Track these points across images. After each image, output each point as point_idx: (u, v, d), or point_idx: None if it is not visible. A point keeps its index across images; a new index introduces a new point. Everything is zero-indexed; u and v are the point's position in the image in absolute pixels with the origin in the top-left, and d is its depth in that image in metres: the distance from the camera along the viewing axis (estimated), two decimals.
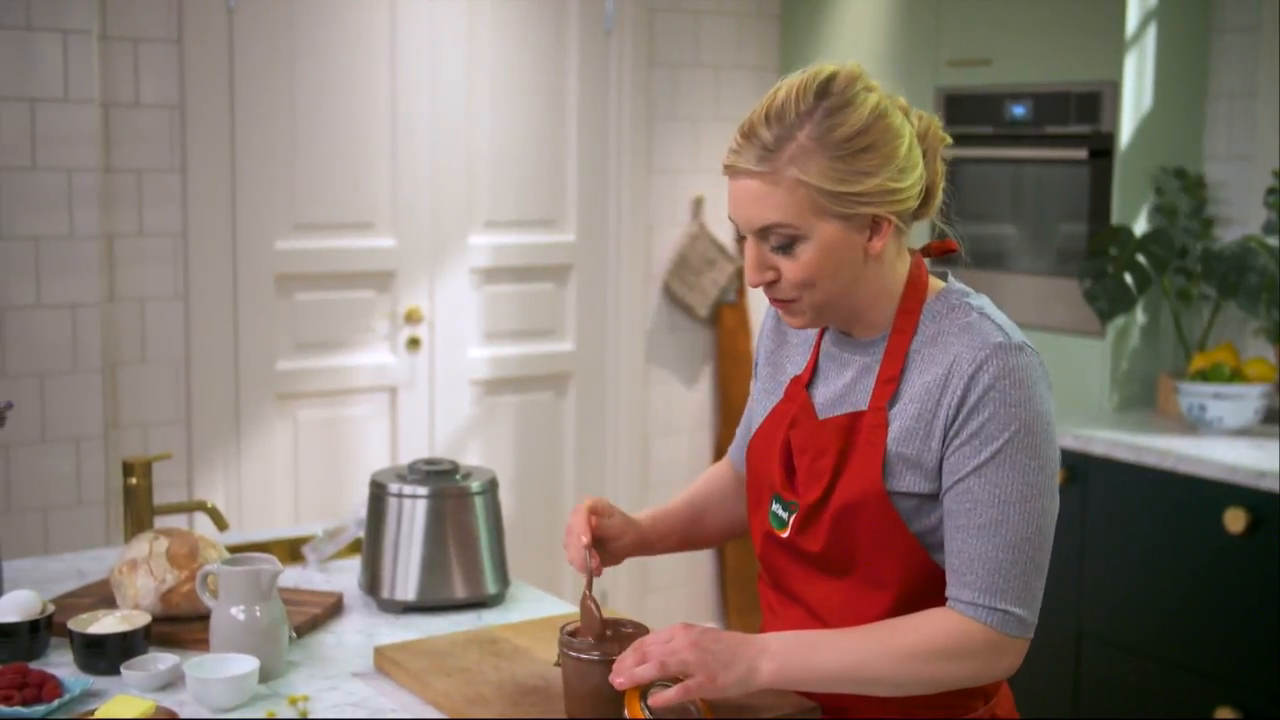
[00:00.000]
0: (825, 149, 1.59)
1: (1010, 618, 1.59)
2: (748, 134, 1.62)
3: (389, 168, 4.06)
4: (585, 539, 1.78)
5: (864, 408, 1.68)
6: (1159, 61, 3.62)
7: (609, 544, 1.85)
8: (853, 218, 1.61)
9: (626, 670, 1.59)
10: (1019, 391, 1.59)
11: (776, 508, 1.75)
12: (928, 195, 1.69)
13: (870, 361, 1.70)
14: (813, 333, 1.79)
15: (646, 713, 1.58)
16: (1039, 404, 1.61)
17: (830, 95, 1.61)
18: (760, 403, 1.85)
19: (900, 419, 1.64)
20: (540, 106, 4.30)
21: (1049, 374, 1.65)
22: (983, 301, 1.70)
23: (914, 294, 1.69)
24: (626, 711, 1.59)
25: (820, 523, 1.68)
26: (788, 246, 1.62)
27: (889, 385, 1.66)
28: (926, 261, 1.75)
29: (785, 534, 1.73)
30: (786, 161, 1.59)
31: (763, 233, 1.63)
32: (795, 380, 1.78)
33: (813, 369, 1.77)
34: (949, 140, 1.71)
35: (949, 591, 1.62)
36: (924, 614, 1.62)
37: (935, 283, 1.72)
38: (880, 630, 1.61)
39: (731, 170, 1.64)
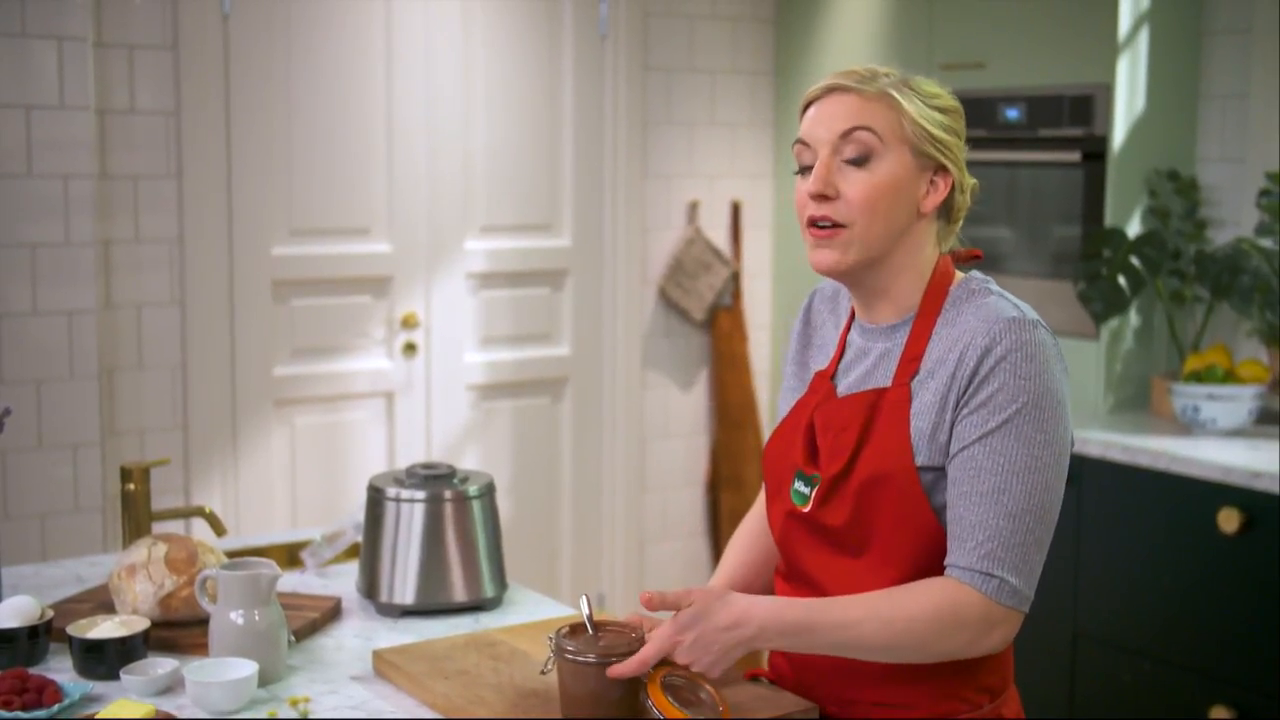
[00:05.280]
0: (918, 95, 1.71)
1: (1005, 586, 1.60)
2: (845, 73, 1.72)
3: (385, 173, 4.07)
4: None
5: (887, 384, 1.70)
6: (1151, 64, 3.63)
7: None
8: (926, 157, 1.69)
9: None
10: (1030, 365, 1.62)
11: (799, 484, 1.76)
12: (954, 214, 1.76)
13: (893, 346, 1.73)
14: (838, 333, 1.83)
15: (670, 697, 1.59)
16: (1050, 380, 1.63)
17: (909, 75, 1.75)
18: (785, 400, 1.87)
19: (920, 394, 1.67)
20: (535, 111, 4.31)
21: (1065, 357, 1.67)
22: (1002, 290, 1.74)
23: (939, 282, 1.73)
24: (650, 698, 1.60)
25: (843, 496, 1.69)
26: (862, 160, 1.68)
27: (912, 363, 1.69)
28: None
29: (807, 509, 1.74)
30: (886, 86, 1.69)
31: (845, 136, 1.68)
32: (820, 374, 1.81)
33: (837, 362, 1.80)
34: (975, 190, 1.79)
35: (947, 559, 1.63)
36: (919, 581, 1.64)
37: (958, 274, 1.77)
38: (873, 596, 1.63)
39: (827, 89, 1.71)
